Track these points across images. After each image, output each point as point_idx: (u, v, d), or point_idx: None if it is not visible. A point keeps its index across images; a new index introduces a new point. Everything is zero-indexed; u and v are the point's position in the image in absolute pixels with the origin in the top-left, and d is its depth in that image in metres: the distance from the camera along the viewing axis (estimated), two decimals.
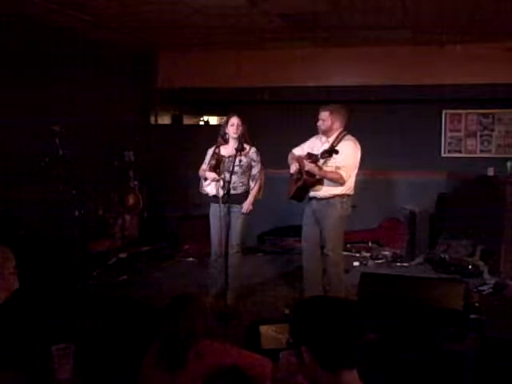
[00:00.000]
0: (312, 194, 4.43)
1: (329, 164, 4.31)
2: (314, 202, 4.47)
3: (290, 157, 4.61)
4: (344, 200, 4.37)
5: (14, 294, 2.13)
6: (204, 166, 4.60)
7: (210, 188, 4.54)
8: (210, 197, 4.59)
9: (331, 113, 4.39)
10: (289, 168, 4.54)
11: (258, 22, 5.34)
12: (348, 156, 4.31)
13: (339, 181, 4.29)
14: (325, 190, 4.36)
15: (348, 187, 4.37)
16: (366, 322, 1.64)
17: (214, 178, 4.47)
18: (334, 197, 4.35)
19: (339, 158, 4.26)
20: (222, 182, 4.46)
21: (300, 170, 4.40)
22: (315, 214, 4.47)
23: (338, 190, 4.34)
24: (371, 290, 3.75)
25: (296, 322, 1.69)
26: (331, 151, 4.20)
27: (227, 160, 4.52)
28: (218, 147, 4.61)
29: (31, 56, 5.15)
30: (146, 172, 6.43)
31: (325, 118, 4.39)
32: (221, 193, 4.44)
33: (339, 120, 4.41)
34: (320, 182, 4.34)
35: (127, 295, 4.70)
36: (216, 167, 4.47)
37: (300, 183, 4.37)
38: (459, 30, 5.58)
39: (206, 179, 4.55)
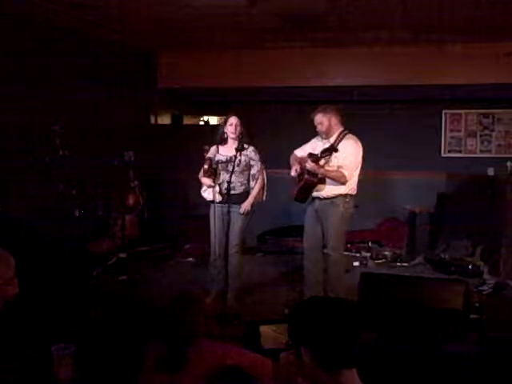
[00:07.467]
0: (315, 193, 4.42)
1: (331, 164, 4.32)
2: (316, 201, 4.47)
3: (291, 158, 4.60)
4: (347, 200, 4.37)
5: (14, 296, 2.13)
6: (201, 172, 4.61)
7: (207, 193, 4.55)
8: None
9: (324, 113, 4.38)
10: (290, 168, 4.53)
11: (258, 21, 5.34)
12: (349, 155, 4.30)
13: (341, 180, 4.28)
14: (327, 190, 4.35)
15: (351, 187, 4.37)
16: (367, 321, 1.65)
17: (210, 184, 4.48)
18: (336, 196, 4.35)
19: (341, 157, 4.26)
20: (217, 188, 4.47)
21: (302, 171, 4.40)
22: (317, 213, 4.47)
23: (341, 190, 4.34)
24: (371, 290, 3.74)
25: (295, 323, 1.69)
26: (331, 149, 4.21)
27: (224, 160, 4.52)
28: (217, 147, 4.62)
29: (31, 56, 5.14)
30: (146, 172, 6.43)
31: (320, 120, 4.38)
32: (217, 198, 4.45)
33: (335, 117, 4.40)
34: (322, 181, 4.34)
35: (131, 294, 4.71)
36: (210, 171, 4.47)
37: (302, 183, 4.37)
38: (459, 30, 5.58)
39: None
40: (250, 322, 3.85)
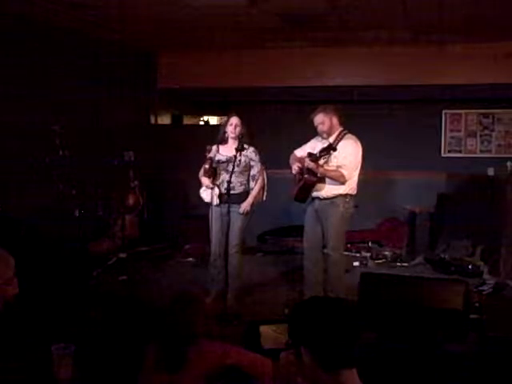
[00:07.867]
0: (315, 193, 4.42)
1: (330, 164, 4.32)
2: (316, 201, 4.47)
3: (291, 158, 4.61)
4: (347, 200, 4.36)
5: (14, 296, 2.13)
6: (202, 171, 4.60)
7: (206, 194, 4.55)
8: None
9: (325, 113, 4.38)
10: (289, 168, 4.54)
11: (258, 22, 5.34)
12: (349, 155, 4.30)
13: (340, 179, 4.28)
14: (327, 190, 4.35)
15: (351, 187, 4.37)
16: (367, 321, 1.64)
17: (208, 185, 4.48)
18: (336, 196, 4.34)
19: (340, 157, 4.26)
20: (216, 190, 4.46)
21: (302, 170, 4.40)
22: (318, 213, 4.47)
23: (341, 190, 4.34)
24: (371, 290, 3.74)
25: (294, 324, 1.69)
26: (329, 148, 4.21)
27: (224, 159, 4.52)
28: (217, 146, 4.62)
29: (31, 56, 5.14)
30: (146, 172, 6.43)
31: (322, 120, 4.37)
32: (215, 201, 4.45)
33: (335, 116, 4.40)
34: (321, 181, 4.34)
35: (131, 294, 4.71)
36: (210, 171, 4.46)
37: (301, 183, 4.37)
38: (459, 30, 5.58)
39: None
40: (250, 322, 3.85)
